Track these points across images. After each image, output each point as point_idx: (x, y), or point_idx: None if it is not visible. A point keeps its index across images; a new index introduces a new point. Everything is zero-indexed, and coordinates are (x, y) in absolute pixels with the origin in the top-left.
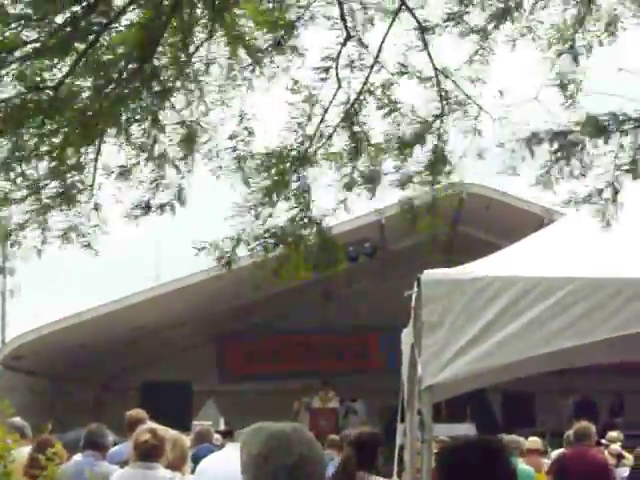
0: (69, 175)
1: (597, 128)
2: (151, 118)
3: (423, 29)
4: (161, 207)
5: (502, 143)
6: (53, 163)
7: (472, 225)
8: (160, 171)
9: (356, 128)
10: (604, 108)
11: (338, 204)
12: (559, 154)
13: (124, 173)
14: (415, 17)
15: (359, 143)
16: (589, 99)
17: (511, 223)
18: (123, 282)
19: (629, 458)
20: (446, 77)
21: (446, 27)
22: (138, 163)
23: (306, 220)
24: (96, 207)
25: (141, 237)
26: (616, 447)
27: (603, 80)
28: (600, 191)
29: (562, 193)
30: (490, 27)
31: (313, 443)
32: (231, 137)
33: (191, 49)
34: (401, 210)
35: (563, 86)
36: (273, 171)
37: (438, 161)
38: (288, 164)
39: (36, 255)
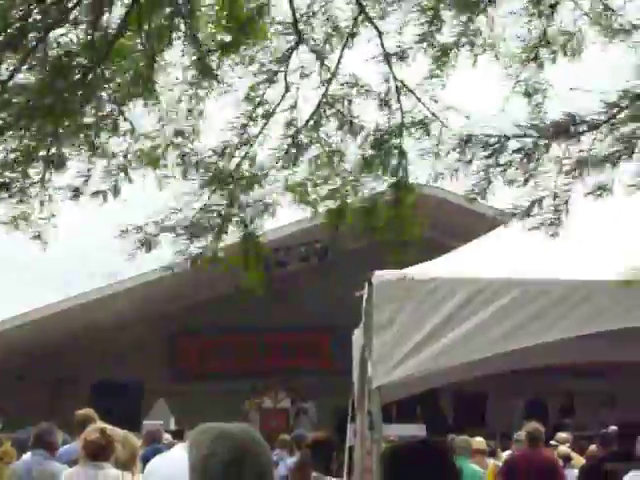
0: (15, 170)
1: (557, 128)
2: (111, 122)
3: (387, 55)
4: (95, 193)
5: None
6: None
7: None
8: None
9: (301, 137)
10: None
11: (267, 208)
12: (494, 160)
13: (59, 165)
14: (382, 42)
15: (299, 151)
16: (555, 112)
17: (463, 224)
18: (75, 280)
19: (577, 459)
20: (409, 91)
21: (412, 49)
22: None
23: (234, 217)
24: (47, 199)
25: (92, 234)
26: (564, 448)
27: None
28: (541, 200)
29: (502, 202)
30: (454, 44)
31: (260, 443)
32: (177, 134)
33: (150, 53)
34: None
35: (528, 95)
36: (212, 168)
37: (400, 186)
38: (227, 162)
39: None
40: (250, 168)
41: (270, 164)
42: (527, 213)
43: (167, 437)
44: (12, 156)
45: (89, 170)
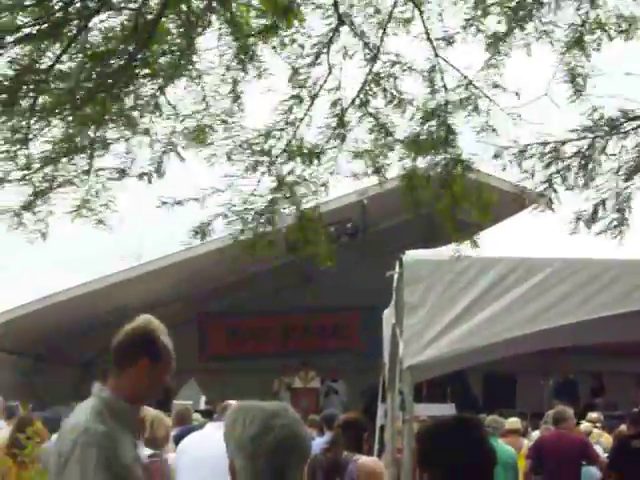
0: (65, 158)
1: (610, 125)
2: (152, 104)
3: (431, 40)
4: (140, 175)
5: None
6: (47, 147)
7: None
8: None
9: (348, 117)
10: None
11: (319, 187)
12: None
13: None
14: (427, 31)
15: (347, 131)
16: (598, 101)
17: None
18: (104, 261)
19: (598, 435)
20: (453, 68)
21: (462, 33)
22: (128, 140)
23: (287, 201)
24: (102, 188)
25: (122, 216)
26: (586, 426)
27: (615, 84)
28: (604, 202)
29: (562, 209)
30: (505, 33)
31: (301, 422)
32: (224, 113)
33: (190, 36)
34: (402, 179)
35: (572, 80)
36: (258, 149)
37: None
38: (273, 145)
39: (41, 238)
40: (299, 149)
41: (320, 142)
42: (592, 218)
43: (197, 417)
44: (57, 146)
45: (130, 152)
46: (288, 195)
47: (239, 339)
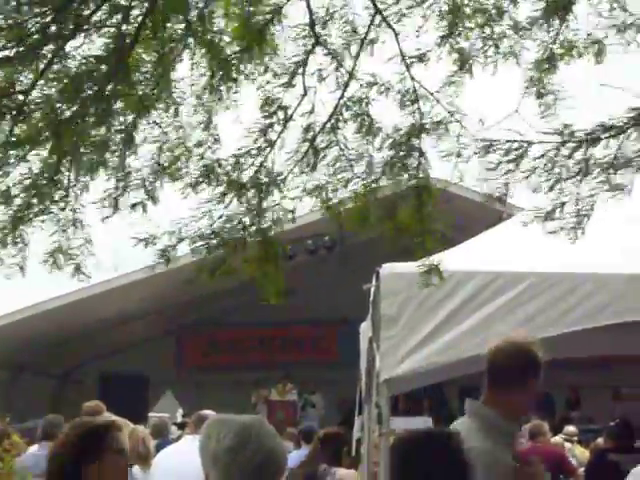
0: (41, 185)
1: (589, 135)
2: (125, 133)
3: (404, 56)
4: (132, 206)
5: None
6: (24, 172)
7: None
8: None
9: (321, 142)
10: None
11: (285, 213)
12: (516, 166)
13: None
14: (399, 44)
15: (319, 157)
16: (569, 113)
17: (469, 217)
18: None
19: (574, 449)
20: (430, 94)
21: (431, 51)
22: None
23: (252, 227)
24: (78, 222)
25: (97, 228)
26: (557, 439)
27: (586, 98)
28: (563, 204)
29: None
30: (473, 50)
31: (277, 436)
32: (198, 144)
33: (166, 60)
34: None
35: (540, 96)
36: (226, 177)
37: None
38: (243, 172)
39: (19, 273)
40: (267, 175)
41: (288, 169)
42: (548, 217)
43: (174, 429)
44: (34, 177)
45: (121, 180)
46: (254, 222)
47: (217, 351)
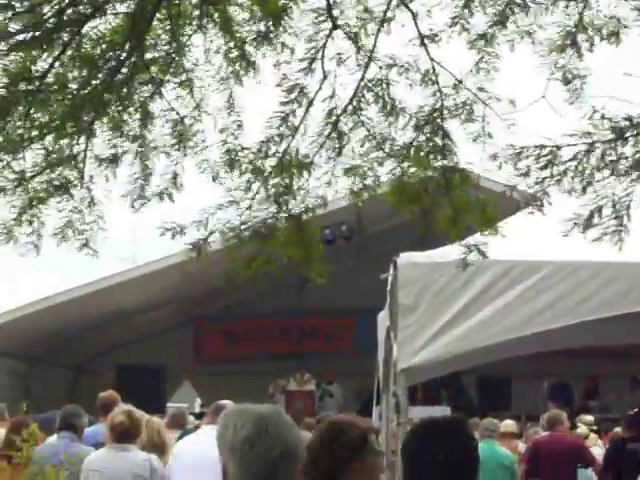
0: (58, 167)
1: (615, 131)
2: (141, 109)
3: (423, 37)
4: (160, 195)
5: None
6: (41, 154)
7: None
8: (148, 159)
9: (345, 125)
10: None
11: (317, 199)
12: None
13: (115, 160)
14: (417, 25)
15: (343, 140)
16: (594, 101)
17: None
18: (99, 264)
19: (593, 439)
20: (446, 71)
21: (447, 31)
22: (127, 151)
23: (284, 215)
24: (91, 200)
25: (115, 217)
26: (582, 429)
27: (609, 86)
28: (600, 208)
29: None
30: (491, 31)
31: (295, 426)
32: (222, 130)
33: (181, 40)
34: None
35: (567, 81)
36: (251, 165)
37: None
38: (268, 158)
39: (34, 252)
40: (294, 161)
41: (313, 153)
42: (588, 224)
43: (192, 419)
44: (54, 157)
45: (143, 167)
46: (284, 209)
47: (235, 341)
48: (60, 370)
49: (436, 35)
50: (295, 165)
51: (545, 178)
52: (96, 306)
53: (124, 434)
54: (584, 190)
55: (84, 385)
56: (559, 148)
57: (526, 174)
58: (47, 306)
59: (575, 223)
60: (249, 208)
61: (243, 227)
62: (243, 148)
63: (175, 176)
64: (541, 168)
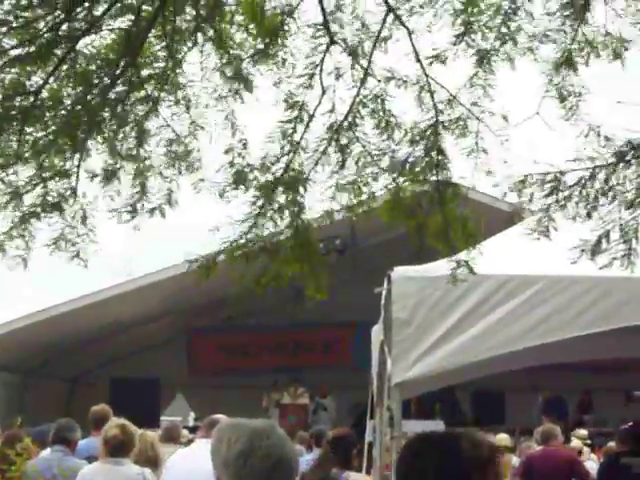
0: (52, 182)
1: (615, 155)
2: (137, 127)
3: (418, 56)
4: (151, 210)
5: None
6: (35, 169)
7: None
8: (144, 178)
9: (343, 140)
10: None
11: (321, 214)
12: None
13: (109, 177)
14: (412, 42)
15: (345, 154)
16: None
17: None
18: (93, 277)
19: (587, 452)
20: (442, 87)
21: (449, 51)
22: (121, 167)
23: (290, 231)
24: (84, 215)
25: (110, 231)
26: (576, 443)
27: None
28: (608, 233)
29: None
30: (491, 49)
31: (289, 441)
32: (227, 151)
33: (178, 56)
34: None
35: (563, 98)
36: (255, 183)
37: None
38: (271, 176)
39: (22, 264)
40: (297, 176)
41: (315, 169)
42: (596, 250)
43: (186, 433)
44: (48, 173)
45: (140, 185)
46: (290, 225)
47: (229, 355)
48: (55, 383)
49: (439, 55)
50: (301, 180)
51: (550, 205)
52: (91, 319)
53: (118, 448)
54: (589, 215)
55: (79, 398)
56: (563, 174)
57: (530, 200)
58: (42, 319)
59: (582, 250)
60: (254, 225)
61: (250, 244)
62: (248, 165)
63: (170, 192)
64: (546, 195)
